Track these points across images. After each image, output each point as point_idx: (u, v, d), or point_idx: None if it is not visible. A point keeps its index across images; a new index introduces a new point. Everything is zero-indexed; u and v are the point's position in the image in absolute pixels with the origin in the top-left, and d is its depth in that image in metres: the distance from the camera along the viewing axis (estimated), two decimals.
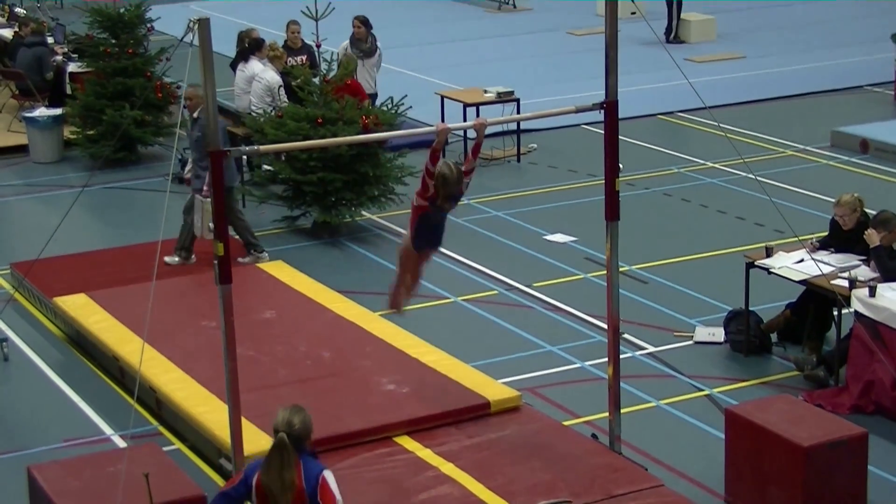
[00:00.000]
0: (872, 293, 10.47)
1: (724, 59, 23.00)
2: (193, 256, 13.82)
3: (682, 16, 24.96)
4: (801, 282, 11.26)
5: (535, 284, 13.39)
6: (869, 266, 11.06)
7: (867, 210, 11.49)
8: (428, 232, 9.45)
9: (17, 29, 20.93)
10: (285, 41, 17.77)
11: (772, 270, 11.47)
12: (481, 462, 9.51)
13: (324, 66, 15.34)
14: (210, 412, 10.11)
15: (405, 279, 9.84)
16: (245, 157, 15.43)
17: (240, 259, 13.61)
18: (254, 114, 16.02)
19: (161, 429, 10.65)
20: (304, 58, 17.54)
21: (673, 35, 24.35)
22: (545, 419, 10.25)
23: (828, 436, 8.95)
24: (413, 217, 9.41)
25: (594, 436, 9.93)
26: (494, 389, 10.50)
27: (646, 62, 21.36)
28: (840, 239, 11.49)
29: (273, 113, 15.55)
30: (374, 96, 17.31)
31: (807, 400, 10.39)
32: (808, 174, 16.67)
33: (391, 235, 14.93)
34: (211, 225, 12.85)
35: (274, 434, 6.94)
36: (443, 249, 13.92)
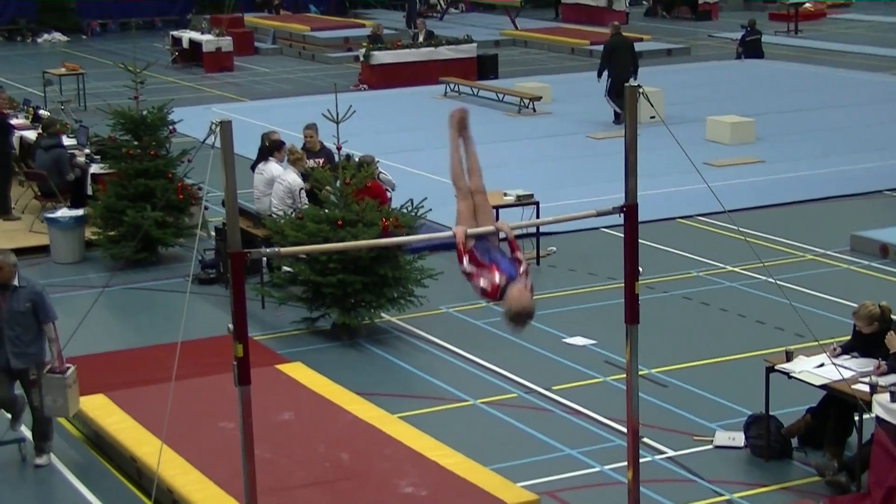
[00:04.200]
0: (894, 398, 10.41)
1: (743, 164, 23.07)
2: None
3: (719, 118, 25.27)
4: (822, 386, 11.20)
5: (554, 387, 13.34)
6: (874, 369, 11.02)
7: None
8: None
9: (40, 130, 21.11)
10: (304, 144, 17.92)
11: (792, 375, 11.42)
12: None
13: (344, 171, 15.27)
14: None
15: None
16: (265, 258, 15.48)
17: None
18: (274, 216, 16.12)
19: None
20: (322, 161, 17.68)
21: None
22: None
23: None
24: None
25: None
26: (513, 493, 10.43)
27: (665, 166, 21.43)
28: (862, 343, 11.46)
29: (293, 215, 15.63)
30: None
31: None
32: (828, 278, 16.65)
33: (410, 338, 14.93)
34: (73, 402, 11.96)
35: None
36: (460, 351, 14.10)
